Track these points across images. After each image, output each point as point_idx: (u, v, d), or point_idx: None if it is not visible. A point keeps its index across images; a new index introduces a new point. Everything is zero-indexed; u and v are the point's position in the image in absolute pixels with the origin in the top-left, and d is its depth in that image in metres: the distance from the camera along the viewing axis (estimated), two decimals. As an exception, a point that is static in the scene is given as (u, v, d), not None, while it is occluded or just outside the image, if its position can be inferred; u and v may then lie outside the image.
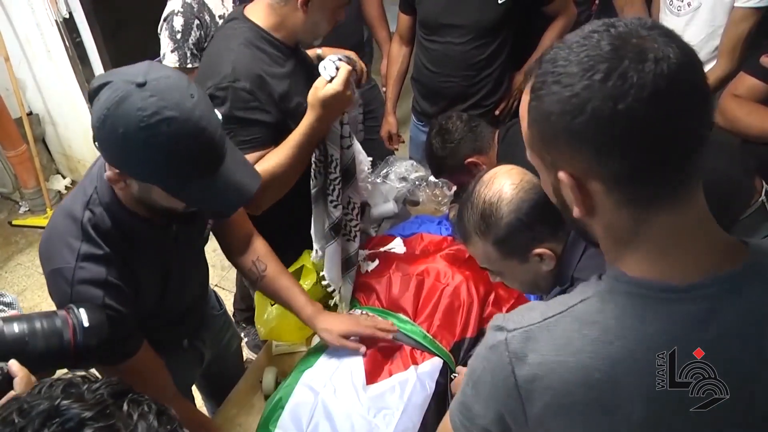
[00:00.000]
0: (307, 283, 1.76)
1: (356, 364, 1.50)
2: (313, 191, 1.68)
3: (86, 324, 1.06)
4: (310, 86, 1.52)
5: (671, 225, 0.71)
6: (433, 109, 2.49)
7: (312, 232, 1.75)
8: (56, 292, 1.19)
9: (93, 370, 1.21)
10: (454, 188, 2.18)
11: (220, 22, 2.13)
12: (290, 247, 1.84)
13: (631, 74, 0.64)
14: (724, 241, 0.75)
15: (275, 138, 1.56)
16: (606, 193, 0.71)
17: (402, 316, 1.63)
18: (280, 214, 1.64)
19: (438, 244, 1.81)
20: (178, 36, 2.11)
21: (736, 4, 2.10)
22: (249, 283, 1.64)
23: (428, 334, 1.57)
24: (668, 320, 0.71)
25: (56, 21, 3.08)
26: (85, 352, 1.06)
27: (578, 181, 0.72)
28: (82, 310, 1.07)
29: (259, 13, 1.60)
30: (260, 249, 1.61)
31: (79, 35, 3.17)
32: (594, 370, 0.72)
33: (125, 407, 0.68)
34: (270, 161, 1.53)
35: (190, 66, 2.16)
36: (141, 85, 0.99)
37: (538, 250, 1.19)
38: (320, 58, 1.68)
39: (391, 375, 1.50)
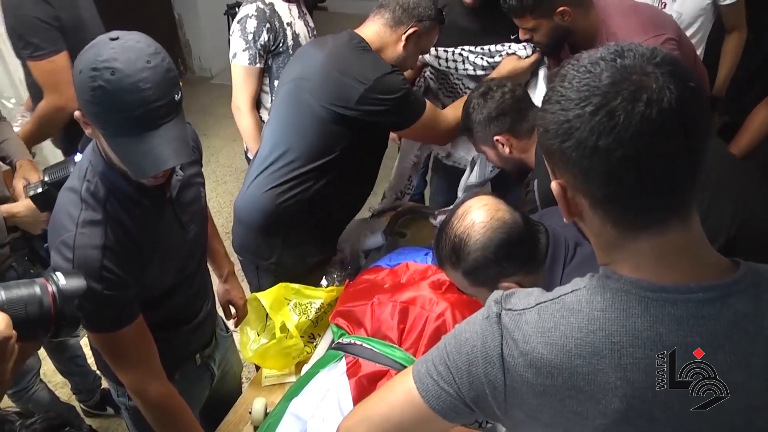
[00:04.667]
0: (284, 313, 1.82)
1: (343, 391, 1.51)
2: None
3: (63, 283, 1.06)
4: None
5: (658, 245, 0.74)
6: None
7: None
8: (60, 261, 1.23)
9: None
10: (441, 217, 2.21)
11: (288, 29, 2.35)
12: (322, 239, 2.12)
13: (619, 113, 0.68)
14: (714, 260, 0.78)
15: None
16: (592, 210, 0.76)
17: (390, 344, 1.65)
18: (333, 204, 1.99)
19: (423, 272, 1.84)
20: (250, 37, 2.31)
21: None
22: None
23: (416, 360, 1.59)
24: (653, 318, 0.73)
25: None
26: (64, 317, 1.06)
27: (567, 193, 0.77)
28: (59, 274, 1.08)
29: (367, 35, 1.80)
30: None
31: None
32: (576, 356, 0.75)
33: None
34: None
35: (257, 65, 2.35)
36: (112, 39, 1.12)
37: (505, 283, 1.26)
38: None
39: (378, 401, 1.51)
